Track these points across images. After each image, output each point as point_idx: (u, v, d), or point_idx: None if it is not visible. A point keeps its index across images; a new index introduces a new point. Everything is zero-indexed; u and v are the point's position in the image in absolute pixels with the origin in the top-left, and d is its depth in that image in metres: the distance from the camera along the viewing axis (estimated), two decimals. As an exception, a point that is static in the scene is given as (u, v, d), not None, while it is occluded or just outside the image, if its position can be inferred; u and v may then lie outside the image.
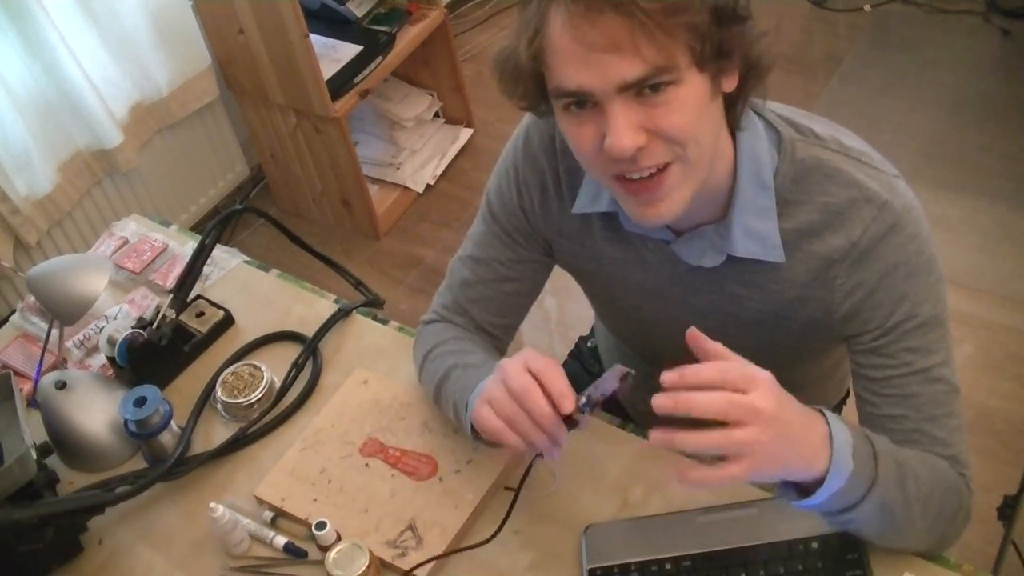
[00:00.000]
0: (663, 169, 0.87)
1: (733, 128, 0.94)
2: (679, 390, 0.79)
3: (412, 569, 1.04)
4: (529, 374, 0.92)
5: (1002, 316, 2.30)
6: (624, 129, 0.83)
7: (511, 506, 1.02)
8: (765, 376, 0.81)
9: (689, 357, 1.15)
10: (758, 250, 0.97)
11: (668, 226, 1.01)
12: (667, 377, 0.81)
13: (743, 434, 0.78)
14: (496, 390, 0.94)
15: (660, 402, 0.79)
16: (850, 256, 0.95)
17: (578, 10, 0.80)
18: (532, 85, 0.90)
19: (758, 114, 0.97)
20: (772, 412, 0.79)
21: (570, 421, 0.92)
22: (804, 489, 0.87)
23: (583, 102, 0.85)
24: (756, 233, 0.97)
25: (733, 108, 0.92)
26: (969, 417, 1.76)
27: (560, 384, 0.91)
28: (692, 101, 0.84)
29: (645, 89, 0.82)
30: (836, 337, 1.01)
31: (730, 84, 0.88)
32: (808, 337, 1.04)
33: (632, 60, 0.80)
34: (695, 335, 0.83)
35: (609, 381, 0.89)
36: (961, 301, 2.32)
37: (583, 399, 0.91)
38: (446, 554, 1.05)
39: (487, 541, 1.03)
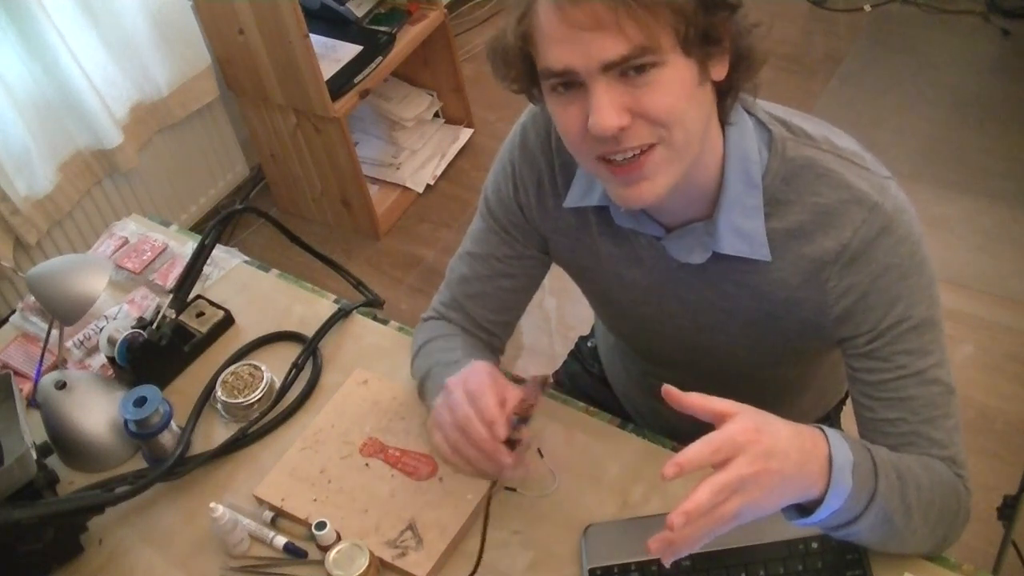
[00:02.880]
0: (647, 150, 0.87)
1: (722, 121, 0.95)
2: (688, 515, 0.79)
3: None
4: (468, 404, 0.94)
5: (1002, 316, 2.30)
6: (607, 108, 0.83)
7: (482, 543, 1.03)
8: (750, 425, 0.81)
9: (687, 356, 1.16)
10: (745, 248, 0.97)
11: (659, 222, 1.01)
12: (668, 472, 0.80)
13: (726, 475, 0.79)
14: (442, 415, 0.97)
15: (656, 547, 0.82)
16: (841, 259, 0.95)
17: None
18: (522, 68, 0.91)
19: (749, 112, 0.97)
20: (765, 452, 0.79)
21: (511, 442, 0.94)
22: (802, 506, 0.87)
23: (569, 83, 0.86)
24: (743, 231, 0.97)
25: (723, 100, 0.93)
26: (969, 417, 1.77)
27: (490, 411, 0.93)
28: (677, 84, 0.85)
29: (630, 70, 0.83)
30: (830, 339, 1.01)
31: (719, 73, 0.89)
32: (803, 337, 1.04)
33: (615, 39, 0.81)
34: (669, 392, 0.83)
35: (530, 391, 0.93)
36: (961, 301, 2.32)
37: (513, 418, 0.94)
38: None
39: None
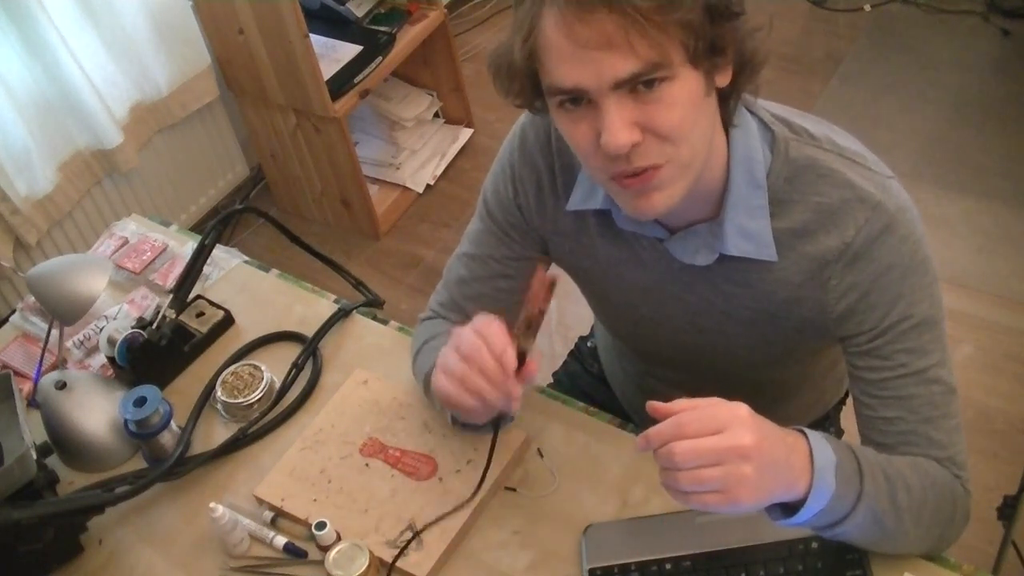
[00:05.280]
0: (657, 167, 0.87)
1: (726, 124, 0.95)
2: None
3: (398, 555, 1.04)
4: (475, 335, 0.94)
5: (1002, 316, 2.30)
6: (619, 126, 0.83)
7: (486, 468, 1.05)
8: (740, 414, 0.82)
9: (685, 357, 1.16)
10: (751, 249, 0.97)
11: (662, 224, 1.01)
12: (639, 444, 0.84)
13: (710, 473, 0.80)
14: (448, 355, 0.96)
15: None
16: (844, 257, 0.95)
17: (571, 9, 0.80)
18: (527, 83, 0.90)
19: (752, 113, 0.97)
20: (749, 448, 0.80)
21: (519, 374, 0.93)
22: (788, 507, 0.87)
23: (578, 99, 0.85)
24: (749, 232, 0.97)
25: (726, 104, 0.93)
26: (969, 417, 1.77)
27: (498, 341, 0.93)
28: (686, 97, 0.84)
29: (639, 86, 0.83)
30: (831, 338, 1.01)
31: (724, 80, 0.89)
32: (803, 337, 1.04)
33: (626, 57, 0.80)
34: (654, 407, 0.84)
35: (536, 294, 0.89)
36: (961, 301, 2.32)
37: (522, 320, 0.92)
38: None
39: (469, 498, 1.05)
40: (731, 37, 0.85)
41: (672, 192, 0.89)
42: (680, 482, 0.81)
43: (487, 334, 0.93)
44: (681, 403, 0.83)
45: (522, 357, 0.94)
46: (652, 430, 0.83)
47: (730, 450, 0.80)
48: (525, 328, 0.92)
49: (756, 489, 0.81)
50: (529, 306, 0.92)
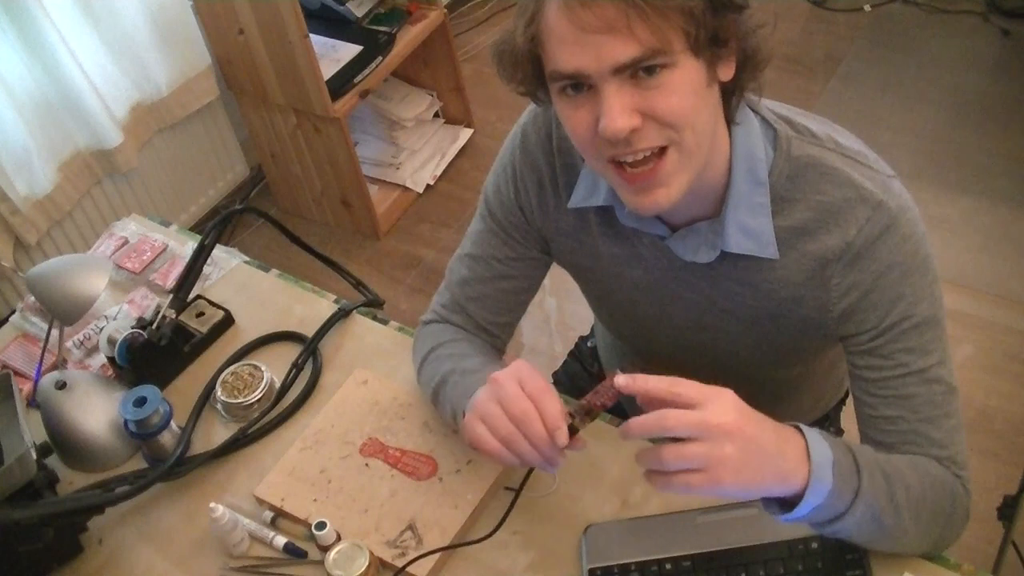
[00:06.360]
0: (660, 155, 0.87)
1: (728, 121, 0.95)
2: (632, 393, 0.84)
3: (407, 564, 1.04)
4: (525, 396, 0.92)
5: (1002, 316, 2.30)
6: (618, 111, 0.84)
7: (510, 506, 1.03)
8: (724, 394, 0.83)
9: (686, 356, 1.16)
10: (752, 246, 0.98)
11: (663, 221, 1.01)
12: (619, 380, 0.85)
13: (693, 449, 0.81)
14: (491, 408, 0.94)
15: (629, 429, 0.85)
16: (845, 256, 0.95)
17: None
18: (530, 70, 0.91)
19: (754, 111, 0.97)
20: (731, 426, 0.80)
21: (571, 429, 0.92)
22: (786, 502, 0.87)
23: (579, 85, 0.86)
24: (750, 229, 0.97)
25: (729, 100, 0.93)
26: (969, 417, 1.78)
27: (555, 414, 0.91)
28: (687, 85, 0.85)
29: (640, 72, 0.83)
30: (832, 337, 1.01)
31: (726, 73, 0.89)
32: (804, 336, 1.04)
33: (626, 41, 0.81)
34: (633, 381, 0.85)
35: (609, 392, 0.89)
36: (961, 301, 2.32)
37: (583, 404, 0.91)
38: (441, 549, 1.05)
39: (484, 539, 1.04)
40: (733, 29, 0.86)
41: (676, 186, 0.89)
42: (663, 456, 0.81)
43: (542, 404, 0.92)
44: (662, 380, 0.84)
45: (572, 431, 0.92)
46: (633, 421, 0.84)
47: (713, 427, 0.80)
48: (583, 414, 0.92)
49: (739, 471, 0.81)
50: (593, 397, 0.91)
